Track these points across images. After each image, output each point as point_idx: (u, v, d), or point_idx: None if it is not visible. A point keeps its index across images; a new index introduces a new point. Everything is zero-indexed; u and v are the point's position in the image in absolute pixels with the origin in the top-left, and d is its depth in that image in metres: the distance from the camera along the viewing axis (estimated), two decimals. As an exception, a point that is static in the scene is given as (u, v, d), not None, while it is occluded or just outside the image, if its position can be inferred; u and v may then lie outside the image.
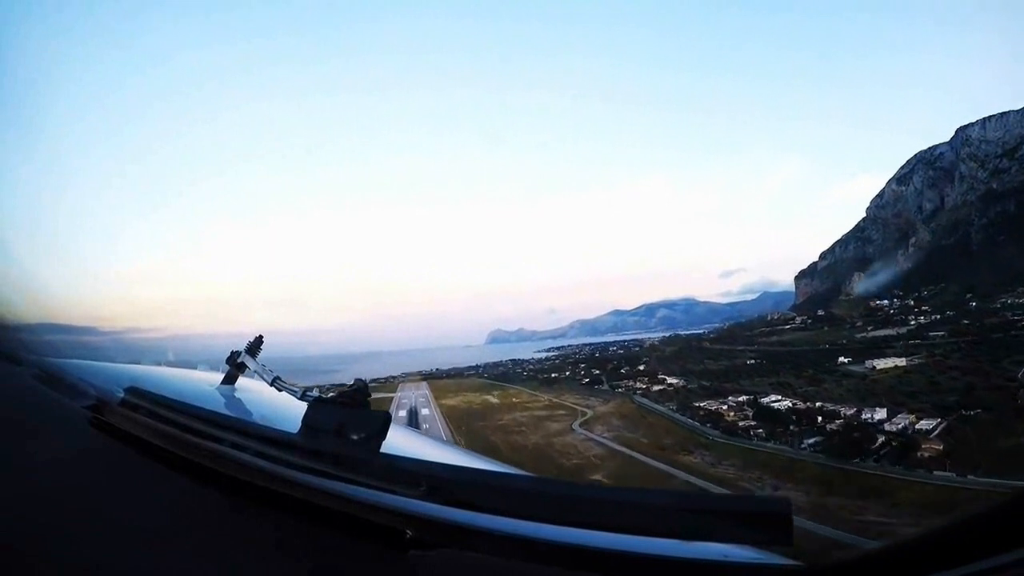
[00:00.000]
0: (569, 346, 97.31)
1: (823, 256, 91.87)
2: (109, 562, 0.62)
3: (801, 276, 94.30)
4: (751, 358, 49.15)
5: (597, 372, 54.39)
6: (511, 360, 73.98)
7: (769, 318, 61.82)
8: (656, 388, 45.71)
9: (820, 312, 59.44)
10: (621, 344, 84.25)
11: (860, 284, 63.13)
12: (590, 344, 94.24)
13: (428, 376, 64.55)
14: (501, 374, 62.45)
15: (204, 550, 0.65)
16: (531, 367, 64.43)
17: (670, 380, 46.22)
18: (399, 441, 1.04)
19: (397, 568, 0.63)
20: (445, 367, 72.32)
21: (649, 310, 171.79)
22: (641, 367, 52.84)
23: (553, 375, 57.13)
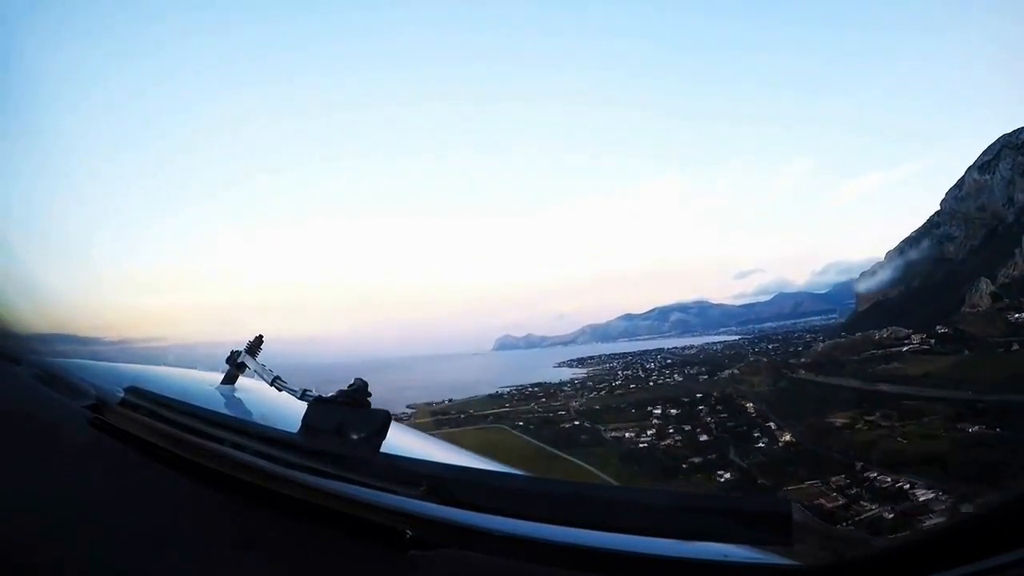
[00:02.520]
0: (591, 358, 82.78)
1: (890, 257, 78.37)
2: (109, 562, 0.62)
3: (864, 279, 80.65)
4: (963, 419, 29.17)
5: (700, 435, 34.05)
6: (538, 386, 58.67)
7: (876, 337, 48.58)
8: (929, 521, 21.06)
9: (941, 329, 46.36)
10: (659, 359, 70.02)
11: (984, 291, 50.27)
12: (615, 355, 79.87)
13: (440, 417, 48.66)
14: (542, 420, 42.11)
15: (204, 550, 0.66)
16: (575, 402, 48.71)
17: (916, 488, 24.12)
18: (399, 441, 1.03)
19: (397, 568, 0.63)
20: (459, 396, 57.10)
21: (661, 313, 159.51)
22: (786, 435, 31.76)
23: (630, 432, 35.80)
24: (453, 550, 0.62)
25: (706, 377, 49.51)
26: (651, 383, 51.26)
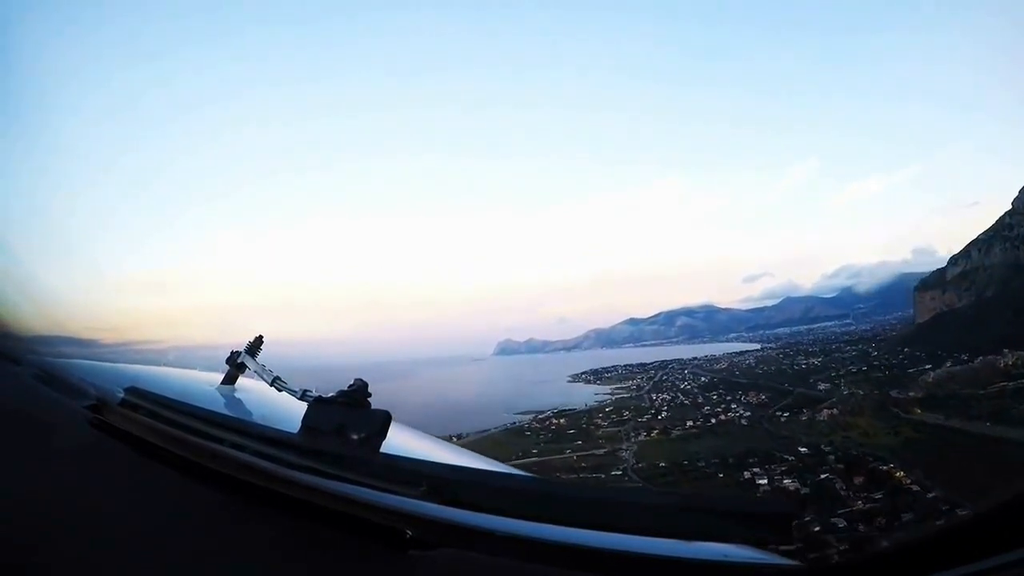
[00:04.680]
0: (607, 370, 71.83)
1: (954, 261, 68.81)
2: (109, 562, 0.62)
3: (925, 287, 70.91)
4: None
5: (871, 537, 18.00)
6: (563, 415, 48.07)
7: (1001, 364, 39.02)
8: None
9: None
10: (689, 376, 59.83)
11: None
12: (633, 367, 69.12)
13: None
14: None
15: (204, 550, 0.65)
16: (626, 449, 38.04)
17: None
18: (399, 441, 1.03)
19: (397, 568, 0.63)
20: (467, 424, 45.66)
21: (668, 318, 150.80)
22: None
23: None
24: (453, 550, 0.61)
25: (786, 415, 38.93)
26: (711, 419, 40.46)
